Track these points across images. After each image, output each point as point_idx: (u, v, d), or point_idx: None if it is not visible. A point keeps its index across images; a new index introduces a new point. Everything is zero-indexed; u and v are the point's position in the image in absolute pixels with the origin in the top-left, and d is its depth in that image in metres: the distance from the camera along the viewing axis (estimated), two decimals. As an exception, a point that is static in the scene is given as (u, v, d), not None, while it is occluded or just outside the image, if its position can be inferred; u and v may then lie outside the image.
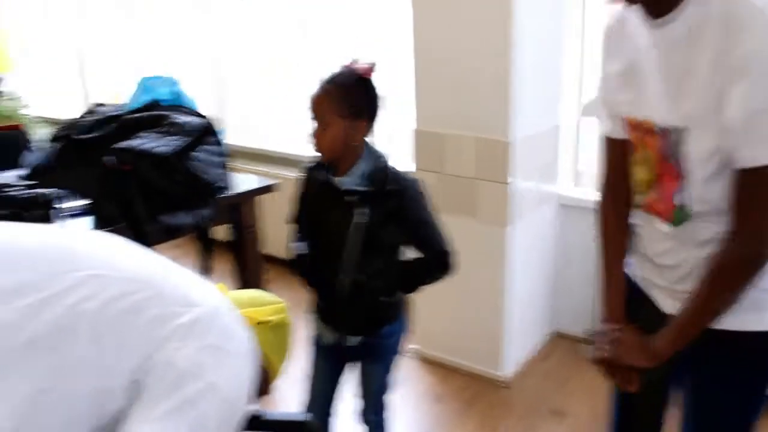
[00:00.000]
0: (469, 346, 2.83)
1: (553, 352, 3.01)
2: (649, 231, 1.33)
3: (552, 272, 3.03)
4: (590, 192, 2.90)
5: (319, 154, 1.64)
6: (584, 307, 2.91)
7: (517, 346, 2.83)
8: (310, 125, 1.62)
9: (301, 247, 1.78)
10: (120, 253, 1.20)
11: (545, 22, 2.61)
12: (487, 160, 2.54)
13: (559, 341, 3.09)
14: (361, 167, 1.65)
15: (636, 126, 1.27)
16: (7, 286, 1.01)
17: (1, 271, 1.04)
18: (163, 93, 2.53)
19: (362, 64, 1.61)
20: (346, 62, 1.63)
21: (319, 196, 1.71)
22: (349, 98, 1.58)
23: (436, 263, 1.70)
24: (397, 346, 1.85)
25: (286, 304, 1.37)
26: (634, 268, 1.43)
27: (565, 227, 2.98)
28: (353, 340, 1.78)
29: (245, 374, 1.14)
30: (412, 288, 1.76)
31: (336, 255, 1.67)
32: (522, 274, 2.76)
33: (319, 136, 1.60)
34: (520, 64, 2.42)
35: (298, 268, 1.77)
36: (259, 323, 1.29)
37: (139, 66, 4.50)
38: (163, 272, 1.18)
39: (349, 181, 1.64)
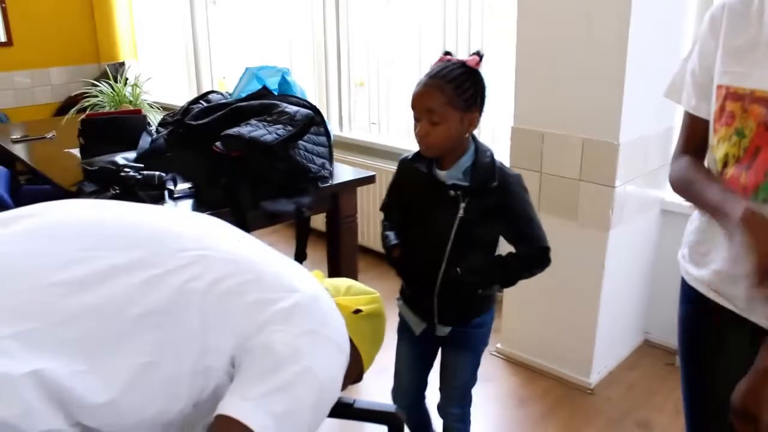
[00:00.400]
0: (558, 349, 2.76)
1: (642, 362, 2.89)
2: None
3: (649, 279, 2.91)
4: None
5: (428, 151, 1.63)
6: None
7: (606, 353, 2.74)
8: (416, 123, 1.61)
9: (394, 237, 1.80)
10: (224, 235, 1.24)
11: (664, 18, 2.49)
12: (593, 162, 2.45)
13: (649, 350, 2.97)
14: (465, 161, 1.64)
15: (740, 96, 1.21)
16: (120, 263, 1.05)
17: (115, 248, 1.09)
18: (273, 82, 2.60)
19: (470, 56, 1.62)
20: (445, 56, 1.64)
21: (420, 188, 1.70)
22: (461, 91, 1.58)
23: (536, 259, 1.69)
24: (486, 337, 1.85)
25: (379, 296, 1.37)
26: (710, 284, 1.33)
27: (665, 234, 2.86)
28: (443, 330, 1.78)
29: (339, 361, 1.15)
30: (511, 283, 1.76)
31: (435, 247, 1.67)
32: (619, 280, 2.66)
33: (430, 132, 1.59)
34: (635, 61, 2.32)
35: (390, 256, 1.79)
36: (353, 312, 1.29)
37: (249, 55, 4.67)
38: (265, 257, 1.21)
39: (453, 174, 1.64)
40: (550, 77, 2.50)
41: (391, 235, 1.80)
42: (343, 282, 1.39)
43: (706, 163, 1.35)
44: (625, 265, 2.69)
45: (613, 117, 2.37)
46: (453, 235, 1.64)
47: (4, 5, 5.31)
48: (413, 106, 1.61)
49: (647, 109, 2.51)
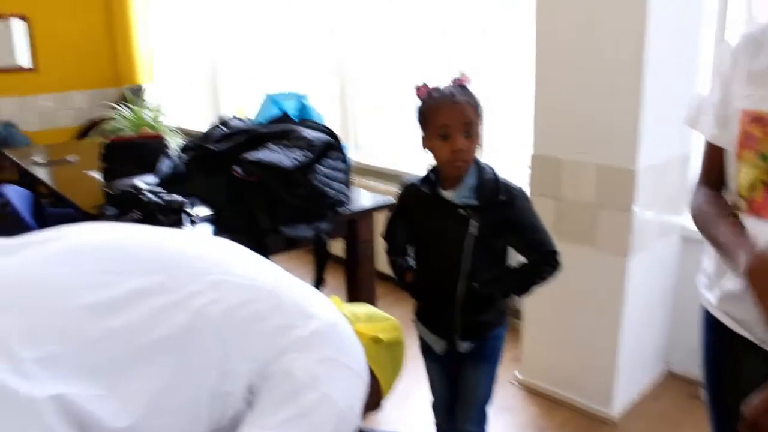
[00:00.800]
0: (578, 378, 2.73)
1: (665, 393, 2.84)
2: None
3: (670, 308, 2.88)
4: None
5: (464, 166, 1.65)
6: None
7: (627, 383, 2.70)
8: (442, 142, 1.62)
9: (404, 261, 1.84)
10: (243, 260, 1.24)
11: (680, 45, 2.49)
12: (610, 188, 2.45)
13: (672, 381, 2.92)
14: (470, 179, 1.68)
15: (761, 119, 1.21)
16: (140, 287, 1.06)
17: (135, 272, 1.09)
18: (291, 107, 2.63)
19: (461, 76, 1.67)
20: (455, 76, 1.68)
21: (429, 210, 1.73)
22: (478, 104, 1.65)
23: (547, 264, 1.73)
24: (501, 350, 1.88)
25: (399, 324, 1.38)
26: (727, 308, 1.32)
27: (686, 261, 2.83)
28: (465, 346, 1.80)
29: (359, 389, 1.15)
30: (525, 290, 1.78)
31: (450, 266, 1.70)
32: (639, 308, 2.63)
33: (468, 147, 1.62)
34: (652, 86, 2.32)
35: (404, 280, 1.83)
36: (372, 340, 1.30)
37: (267, 81, 4.72)
38: (283, 283, 1.21)
39: (461, 194, 1.67)
40: (566, 103, 2.51)
41: (400, 260, 1.84)
42: (363, 308, 1.39)
43: (727, 194, 1.35)
44: (645, 292, 2.66)
45: (630, 142, 2.37)
46: (467, 253, 1.67)
47: (31, 31, 5.42)
48: (447, 123, 1.61)
49: (665, 135, 2.51)
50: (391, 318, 1.39)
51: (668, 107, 2.48)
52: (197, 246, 1.25)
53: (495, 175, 1.70)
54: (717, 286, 1.35)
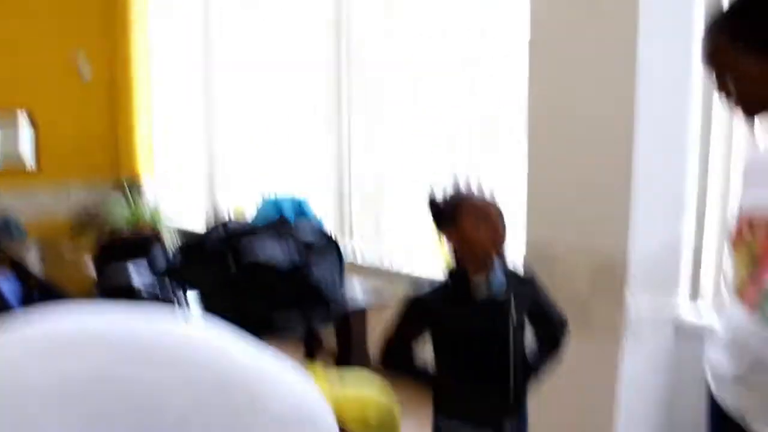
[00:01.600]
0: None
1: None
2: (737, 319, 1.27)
3: (665, 397, 2.81)
4: (709, 316, 2.74)
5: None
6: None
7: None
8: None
9: (428, 369, 1.80)
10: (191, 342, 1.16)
11: (670, 131, 2.55)
12: (603, 276, 2.45)
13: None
14: (498, 272, 1.68)
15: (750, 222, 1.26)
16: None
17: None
18: (290, 210, 2.67)
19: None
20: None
21: (456, 314, 1.70)
22: None
23: (563, 333, 1.81)
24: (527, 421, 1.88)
25: (395, 407, 1.30)
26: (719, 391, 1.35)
27: (680, 350, 2.79)
28: (511, 428, 1.80)
29: None
30: (550, 365, 1.83)
31: (494, 363, 1.70)
32: (635, 400, 2.58)
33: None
34: (642, 174, 2.37)
35: (430, 385, 1.80)
36: (361, 422, 1.22)
37: (265, 178, 4.80)
38: (239, 363, 1.11)
39: (498, 288, 1.68)
40: (558, 193, 2.55)
41: (428, 370, 1.80)
42: (356, 381, 1.31)
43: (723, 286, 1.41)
44: (639, 383, 2.58)
45: (621, 232, 2.38)
46: (512, 341, 1.68)
47: (35, 130, 5.57)
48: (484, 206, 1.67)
49: (656, 224, 2.52)
50: (387, 399, 1.29)
51: (660, 195, 2.52)
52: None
53: (504, 262, 1.74)
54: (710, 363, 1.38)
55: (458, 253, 1.69)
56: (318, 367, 1.33)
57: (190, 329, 1.18)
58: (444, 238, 1.70)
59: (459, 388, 1.77)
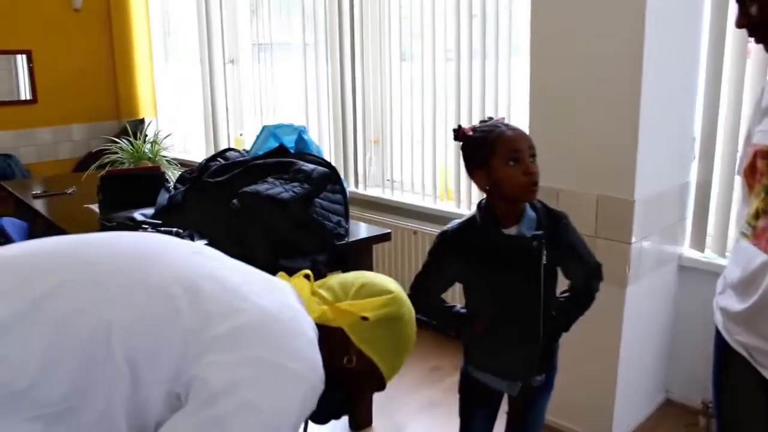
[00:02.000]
0: (576, 408, 2.69)
1: (664, 422, 2.81)
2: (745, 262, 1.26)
3: (668, 337, 2.86)
4: (712, 254, 2.76)
5: (536, 190, 1.63)
6: (700, 376, 2.71)
7: (625, 413, 2.67)
8: (523, 163, 1.60)
9: (463, 311, 1.80)
10: (167, 254, 1.14)
11: (678, 73, 2.52)
12: (609, 219, 2.45)
13: (671, 410, 2.89)
14: (530, 212, 1.68)
15: (767, 153, 1.24)
16: (29, 300, 0.98)
17: (27, 282, 1.01)
18: (290, 140, 2.64)
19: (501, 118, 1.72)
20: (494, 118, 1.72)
21: (489, 252, 1.68)
22: None
23: (596, 277, 1.80)
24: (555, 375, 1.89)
25: (398, 294, 1.27)
26: (726, 326, 1.35)
27: (683, 290, 2.83)
28: (539, 380, 1.81)
29: (297, 392, 1.01)
30: (585, 310, 1.83)
31: (527, 303, 1.68)
32: (638, 337, 2.62)
33: (538, 173, 1.62)
34: (649, 117, 2.34)
35: (469, 330, 1.78)
36: (359, 318, 1.18)
37: (266, 113, 4.75)
38: (212, 273, 1.11)
39: (529, 227, 1.66)
40: (564, 134, 2.52)
41: (458, 311, 1.80)
42: (356, 279, 1.26)
43: (736, 220, 1.40)
44: (643, 322, 2.65)
45: (628, 173, 2.38)
46: (543, 284, 1.67)
47: (32, 65, 5.47)
48: (518, 148, 1.59)
49: (663, 165, 2.52)
50: (388, 290, 1.25)
51: (666, 137, 2.50)
52: (113, 244, 1.16)
53: (542, 203, 1.73)
54: (718, 304, 1.37)
55: (489, 189, 1.66)
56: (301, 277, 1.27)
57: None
58: (475, 175, 1.67)
59: (489, 333, 1.75)
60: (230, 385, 0.95)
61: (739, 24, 1.24)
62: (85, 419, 0.94)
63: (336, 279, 1.27)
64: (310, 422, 1.24)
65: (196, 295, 1.03)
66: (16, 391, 0.92)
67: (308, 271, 1.28)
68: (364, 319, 1.18)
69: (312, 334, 1.10)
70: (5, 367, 0.93)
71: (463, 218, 1.74)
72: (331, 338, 1.16)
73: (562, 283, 1.82)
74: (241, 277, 1.14)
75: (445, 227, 1.76)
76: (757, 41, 1.24)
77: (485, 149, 1.61)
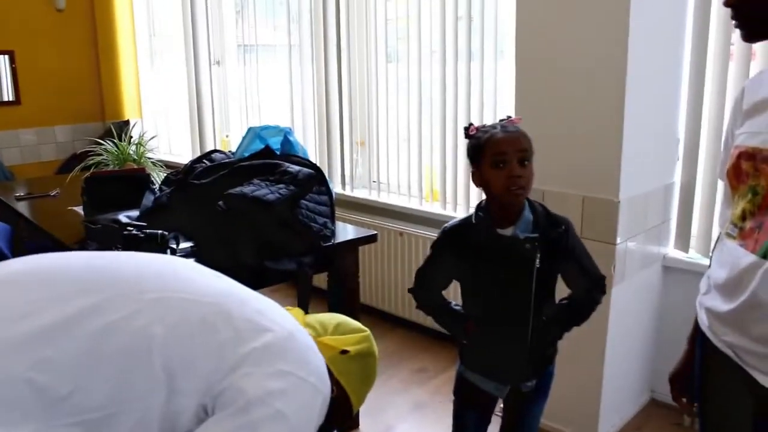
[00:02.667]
0: (562, 408, 2.69)
1: (649, 422, 2.84)
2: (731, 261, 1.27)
3: (653, 337, 2.89)
4: (696, 254, 2.79)
5: (522, 194, 1.64)
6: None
7: (611, 412, 2.69)
8: (499, 171, 1.61)
9: (459, 310, 1.82)
10: (191, 277, 1.22)
11: (662, 74, 2.54)
12: (594, 220, 2.46)
13: (656, 410, 2.92)
14: (528, 214, 1.68)
15: (751, 155, 1.24)
16: (74, 312, 1.03)
17: (68, 296, 1.06)
18: (275, 141, 2.63)
19: (512, 118, 1.72)
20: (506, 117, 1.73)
21: (484, 251, 1.69)
22: (531, 145, 1.67)
23: (599, 290, 1.78)
24: (552, 382, 1.89)
25: (369, 333, 1.37)
26: (712, 326, 1.35)
27: (668, 290, 2.86)
28: (529, 385, 1.81)
29: (316, 403, 1.11)
30: (585, 320, 1.81)
31: (517, 305, 1.69)
32: (623, 337, 2.64)
33: (524, 174, 1.62)
34: (633, 118, 2.35)
35: (461, 330, 1.80)
36: (340, 352, 1.28)
37: (252, 114, 4.74)
38: (236, 297, 1.19)
39: (523, 229, 1.67)
40: (549, 135, 2.53)
41: (455, 310, 1.82)
42: (332, 319, 1.37)
43: (719, 222, 1.41)
44: (628, 322, 2.67)
45: (612, 174, 2.39)
46: (534, 288, 1.67)
47: (14, 66, 5.42)
48: (503, 151, 1.61)
49: (647, 166, 2.54)
50: (362, 329, 1.37)
51: (650, 138, 2.52)
52: (140, 264, 1.23)
53: (543, 206, 1.73)
54: (703, 304, 1.38)
55: (482, 189, 1.69)
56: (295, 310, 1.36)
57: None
58: (472, 174, 1.70)
59: (479, 334, 1.78)
60: (264, 395, 1.02)
61: (727, 2, 1.22)
62: (122, 427, 0.99)
63: (313, 318, 1.36)
64: None
65: (228, 314, 1.12)
66: (57, 397, 0.96)
67: (299, 310, 1.37)
68: (344, 352, 1.28)
69: (320, 354, 1.20)
70: (49, 371, 0.97)
71: (465, 216, 1.78)
72: None
73: (563, 291, 1.82)
74: (258, 299, 1.23)
75: (446, 226, 1.80)
76: (738, 25, 1.23)
77: (477, 150, 1.65)
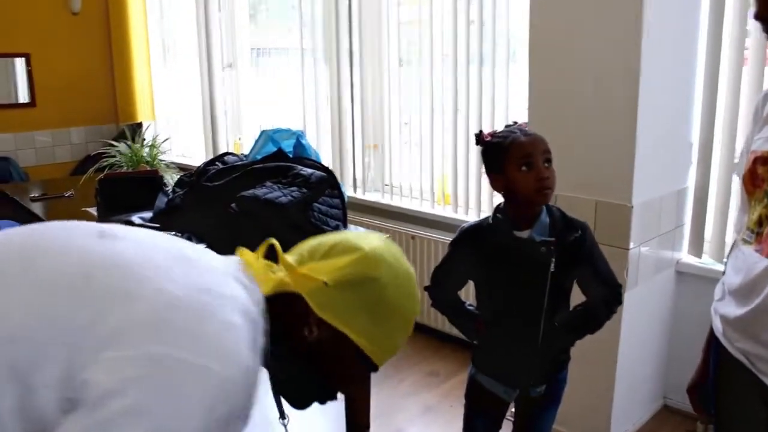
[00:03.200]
0: (574, 415, 2.69)
1: (662, 428, 2.82)
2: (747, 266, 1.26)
3: (666, 342, 2.87)
4: (710, 260, 2.77)
5: (548, 194, 1.64)
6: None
7: (623, 419, 2.68)
8: (536, 168, 1.62)
9: (472, 311, 1.82)
10: (65, 242, 1.02)
11: (675, 78, 2.53)
12: (607, 224, 2.45)
13: (669, 417, 2.90)
14: (544, 218, 1.68)
15: (767, 160, 1.24)
16: None
17: None
18: (288, 144, 2.64)
19: (523, 123, 1.72)
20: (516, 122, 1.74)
21: (501, 253, 1.70)
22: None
23: (615, 299, 1.76)
24: (564, 390, 1.88)
25: (370, 252, 1.07)
26: (726, 333, 1.34)
27: (681, 296, 2.84)
28: (539, 390, 1.80)
29: (201, 389, 0.88)
30: (599, 328, 1.78)
31: (530, 308, 1.69)
32: (636, 343, 2.62)
33: (550, 175, 1.63)
34: (646, 123, 2.34)
35: (473, 330, 1.81)
36: (321, 283, 1.04)
37: (265, 117, 4.75)
38: (113, 259, 0.98)
39: (539, 232, 1.67)
40: (561, 140, 2.52)
41: (468, 310, 1.83)
42: (330, 240, 1.12)
43: (735, 227, 1.40)
44: (641, 327, 2.65)
45: (625, 178, 2.38)
46: (547, 291, 1.66)
47: (30, 68, 5.47)
48: (530, 152, 1.62)
49: (660, 171, 2.52)
50: (360, 248, 1.07)
51: (664, 143, 2.50)
52: (11, 237, 1.06)
53: (560, 211, 1.73)
54: (718, 311, 1.37)
55: (504, 193, 1.69)
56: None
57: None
58: (492, 179, 1.70)
59: (489, 336, 1.78)
60: (120, 384, 0.84)
61: (758, 15, 1.20)
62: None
63: (311, 241, 1.13)
64: (294, 410, 1.16)
65: (88, 285, 0.92)
66: None
67: (273, 240, 1.14)
68: (324, 283, 1.03)
69: (237, 317, 0.95)
70: None
71: (482, 219, 1.79)
72: (291, 308, 1.05)
73: (578, 297, 1.81)
74: (159, 260, 1.00)
75: (464, 226, 1.81)
76: None
77: (500, 154, 1.65)
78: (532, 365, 1.74)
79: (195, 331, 0.90)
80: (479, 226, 1.76)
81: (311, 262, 1.07)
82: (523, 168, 1.61)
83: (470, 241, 1.76)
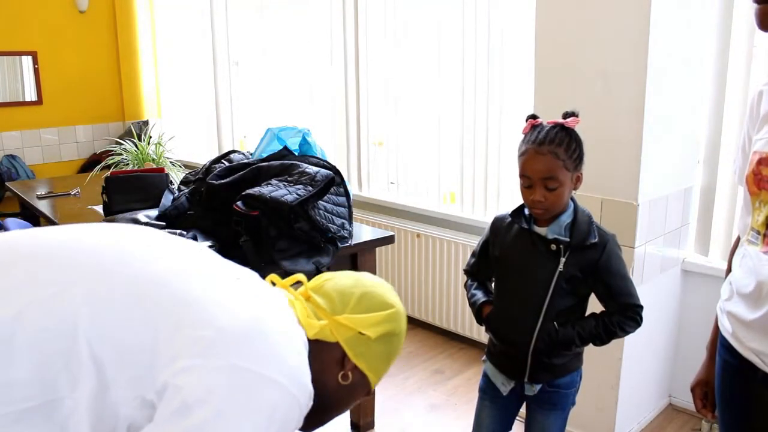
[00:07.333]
0: (579, 413, 2.67)
1: (667, 427, 2.81)
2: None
3: (672, 341, 2.86)
4: (716, 258, 2.75)
5: (545, 215, 1.64)
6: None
7: (629, 417, 2.67)
8: (527, 189, 1.63)
9: (482, 295, 1.84)
10: (150, 252, 1.09)
11: (682, 77, 2.52)
12: (613, 222, 2.44)
13: (674, 415, 2.89)
14: (565, 218, 1.67)
15: None
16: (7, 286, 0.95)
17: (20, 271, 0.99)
18: (293, 142, 2.64)
19: (568, 117, 1.67)
20: (535, 120, 1.68)
21: (518, 244, 1.72)
22: (570, 152, 1.63)
23: (631, 319, 1.72)
24: (573, 396, 1.85)
25: (398, 309, 1.20)
26: (736, 333, 1.33)
27: (687, 294, 2.83)
28: (532, 389, 1.79)
29: (280, 404, 0.95)
30: (604, 342, 1.75)
31: (532, 302, 1.69)
32: (641, 341, 2.61)
33: (547, 198, 1.61)
34: (653, 122, 2.34)
35: (480, 314, 1.82)
36: (359, 333, 1.14)
37: (270, 116, 4.76)
38: (193, 275, 1.05)
39: (554, 230, 1.66)
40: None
41: (478, 293, 1.84)
42: (354, 289, 1.18)
43: (740, 228, 1.38)
44: (646, 326, 2.61)
45: (632, 177, 2.37)
46: (551, 289, 1.66)
47: (37, 66, 5.49)
48: (526, 175, 1.62)
49: (667, 169, 2.52)
50: (388, 304, 1.18)
51: (670, 142, 2.49)
52: (95, 238, 1.11)
53: (590, 217, 1.71)
54: (726, 310, 1.36)
55: None
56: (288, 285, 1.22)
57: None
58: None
59: (496, 323, 1.79)
60: (205, 393, 0.88)
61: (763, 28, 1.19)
62: (54, 418, 0.90)
63: (333, 285, 1.19)
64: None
65: (174, 296, 0.98)
66: None
67: (302, 276, 1.21)
68: (362, 334, 1.13)
69: (301, 346, 1.05)
70: None
71: (513, 210, 1.78)
72: (324, 351, 1.12)
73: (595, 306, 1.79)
74: (229, 280, 1.09)
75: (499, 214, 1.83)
76: None
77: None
78: (524, 360, 1.74)
79: (277, 351, 0.98)
80: (506, 215, 1.78)
81: (345, 311, 1.15)
82: (523, 182, 1.64)
83: (494, 227, 1.80)
